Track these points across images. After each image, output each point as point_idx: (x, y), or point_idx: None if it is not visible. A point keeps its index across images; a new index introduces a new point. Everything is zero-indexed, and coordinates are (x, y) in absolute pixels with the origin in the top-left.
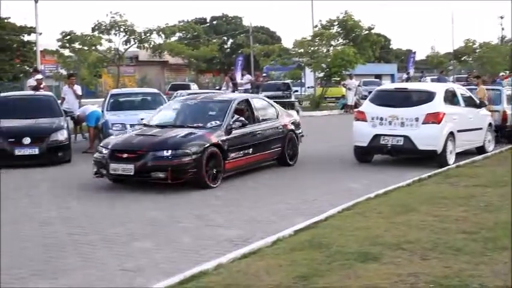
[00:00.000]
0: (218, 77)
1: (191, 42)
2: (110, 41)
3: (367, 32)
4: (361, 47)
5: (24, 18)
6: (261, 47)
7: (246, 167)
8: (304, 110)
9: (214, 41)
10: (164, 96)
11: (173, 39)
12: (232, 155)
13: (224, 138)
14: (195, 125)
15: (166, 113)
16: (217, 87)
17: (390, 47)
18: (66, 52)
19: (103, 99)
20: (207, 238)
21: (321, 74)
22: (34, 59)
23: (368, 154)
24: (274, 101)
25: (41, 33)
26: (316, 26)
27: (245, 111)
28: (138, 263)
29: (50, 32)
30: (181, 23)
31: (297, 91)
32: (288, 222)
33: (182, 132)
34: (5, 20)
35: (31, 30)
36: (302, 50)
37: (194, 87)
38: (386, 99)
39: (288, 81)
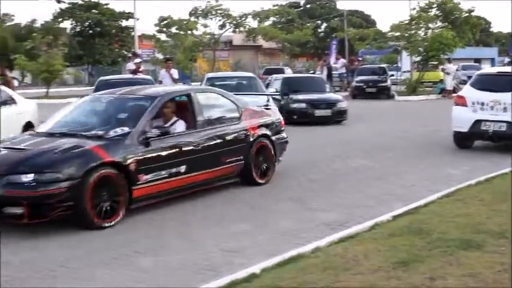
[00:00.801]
0: (312, 62)
1: (285, 26)
2: (205, 25)
3: (466, 14)
4: (460, 30)
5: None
6: (356, 31)
7: (176, 192)
8: (400, 95)
9: (308, 25)
10: (259, 80)
11: (267, 23)
12: (148, 177)
13: (131, 153)
14: (93, 133)
15: (69, 113)
16: (311, 72)
17: (490, 30)
18: (163, 37)
19: (198, 83)
20: (305, 221)
21: (418, 58)
22: (132, 43)
23: (468, 140)
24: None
25: (138, 19)
26: (413, 9)
27: (185, 112)
28: (237, 244)
29: (148, 17)
30: (276, 7)
31: (392, 75)
32: (386, 207)
33: (64, 144)
34: (104, 6)
35: (129, 15)
36: (399, 34)
37: (288, 71)
38: (488, 83)
39: (384, 65)
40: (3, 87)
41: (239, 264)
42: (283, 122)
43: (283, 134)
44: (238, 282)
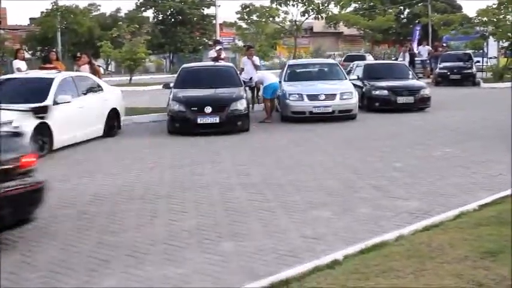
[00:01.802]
0: (393, 48)
1: (367, 12)
2: (286, 12)
3: None
4: None
5: None
6: (440, 17)
7: None
8: (486, 82)
9: (391, 10)
10: (341, 67)
11: (349, 9)
12: None
13: None
14: None
15: None
16: (393, 58)
17: None
18: (244, 24)
19: (279, 70)
20: (386, 209)
21: (506, 44)
22: (213, 31)
23: None
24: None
25: (220, 6)
26: None
27: None
28: (318, 231)
29: (229, 5)
30: None
31: (478, 62)
32: (471, 196)
33: None
34: None
35: (211, 3)
36: (486, 19)
37: (369, 58)
38: None
39: (469, 51)
40: (90, 75)
41: (321, 251)
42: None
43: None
44: (321, 268)
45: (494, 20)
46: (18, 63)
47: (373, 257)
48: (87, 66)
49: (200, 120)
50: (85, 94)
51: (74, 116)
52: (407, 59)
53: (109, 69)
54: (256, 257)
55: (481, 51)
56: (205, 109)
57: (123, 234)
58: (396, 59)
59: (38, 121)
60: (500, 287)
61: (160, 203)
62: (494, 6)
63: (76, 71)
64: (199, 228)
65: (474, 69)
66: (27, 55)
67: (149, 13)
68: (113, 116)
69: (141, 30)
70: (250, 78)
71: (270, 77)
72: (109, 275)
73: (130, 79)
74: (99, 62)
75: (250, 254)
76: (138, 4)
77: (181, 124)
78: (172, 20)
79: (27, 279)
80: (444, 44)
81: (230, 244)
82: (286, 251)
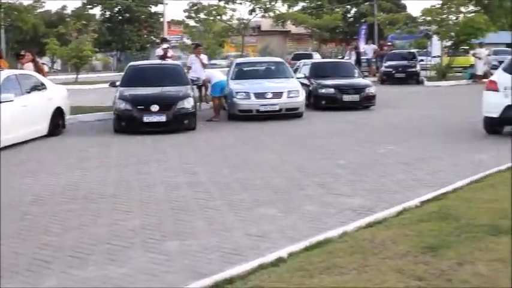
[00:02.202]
0: (340, 46)
1: (314, 11)
2: (234, 10)
3: None
4: (494, 15)
5: None
6: (386, 16)
7: None
8: (429, 80)
9: (338, 10)
10: (288, 66)
11: (296, 8)
12: None
13: None
14: None
15: None
16: (340, 57)
17: None
18: (192, 22)
19: (226, 68)
20: (330, 206)
21: (449, 43)
22: (160, 29)
23: (499, 125)
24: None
25: (167, 4)
26: None
27: None
28: (263, 229)
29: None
30: None
31: (422, 60)
32: (413, 193)
33: None
34: None
35: (158, 1)
36: (430, 18)
37: (317, 56)
38: None
39: (414, 50)
40: (34, 73)
41: (265, 248)
42: None
43: None
44: (265, 266)
45: (438, 19)
46: None
47: (317, 254)
48: (31, 64)
49: (146, 118)
50: (29, 93)
51: (17, 115)
52: (354, 57)
53: (55, 67)
54: (200, 255)
55: (425, 50)
56: (151, 107)
57: (66, 234)
58: (343, 58)
59: None
60: (439, 281)
61: (104, 202)
62: (438, 6)
63: (20, 69)
64: (144, 227)
65: (418, 68)
66: None
67: (96, 10)
68: (58, 114)
69: (88, 28)
70: (198, 78)
71: (218, 75)
72: (50, 275)
73: (77, 77)
74: (45, 60)
75: (194, 253)
76: (85, 1)
77: (128, 123)
78: (120, 17)
79: None
80: (389, 43)
81: (175, 243)
82: (231, 249)
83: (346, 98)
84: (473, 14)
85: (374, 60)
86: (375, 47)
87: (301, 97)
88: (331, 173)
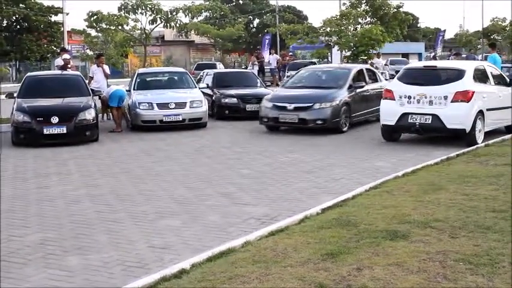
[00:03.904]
0: (244, 57)
1: (217, 21)
2: (136, 20)
3: (395, 10)
4: (389, 26)
5: None
6: (287, 26)
7: None
8: None
9: (240, 20)
10: (190, 76)
11: (199, 18)
12: None
13: None
14: None
15: None
16: (243, 67)
17: (418, 25)
18: (93, 32)
19: (129, 79)
20: (234, 216)
21: (348, 53)
22: (61, 39)
23: (395, 133)
24: None
25: (67, 13)
26: (344, 4)
27: None
28: (166, 240)
29: (77, 12)
30: (208, 2)
31: None
32: (315, 200)
33: None
34: (32, 0)
35: (58, 10)
36: (330, 29)
37: (220, 66)
38: (415, 77)
39: (314, 60)
40: None
41: (169, 260)
42: None
43: None
44: (168, 278)
45: (337, 30)
46: None
47: (220, 264)
48: None
49: (46, 130)
50: None
51: None
52: (257, 67)
53: None
54: (102, 270)
55: (326, 60)
56: (51, 119)
57: None
58: (246, 68)
59: None
60: (340, 287)
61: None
62: (337, 17)
63: None
64: (43, 243)
65: None
66: None
67: None
68: None
69: None
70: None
71: (115, 87)
72: None
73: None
74: None
75: (95, 268)
76: None
77: (26, 135)
78: (18, 26)
79: None
80: (291, 53)
81: (75, 258)
82: (134, 262)
83: (249, 107)
84: (370, 26)
85: (277, 70)
86: (277, 57)
87: (204, 107)
88: (235, 183)
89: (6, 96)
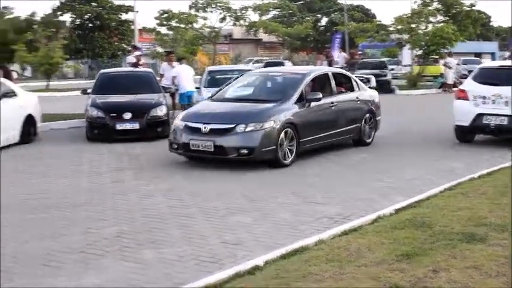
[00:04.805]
0: (312, 55)
1: (285, 20)
2: (205, 18)
3: (468, 8)
4: (461, 24)
5: None
6: (356, 25)
7: None
8: (400, 89)
9: (308, 18)
10: None
11: (268, 16)
12: None
13: None
14: None
15: None
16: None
17: (491, 24)
18: (163, 30)
19: (199, 77)
20: (306, 214)
21: (419, 52)
22: (131, 37)
23: (470, 134)
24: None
25: (138, 11)
26: (415, 2)
27: None
28: (238, 236)
29: (148, 10)
30: (276, 1)
31: (393, 69)
32: (388, 200)
33: None
34: None
35: (129, 8)
36: (401, 27)
37: (288, 64)
38: (490, 77)
39: (384, 59)
40: (4, 80)
41: (242, 256)
42: None
43: None
44: (242, 274)
45: (408, 28)
46: None
47: (294, 261)
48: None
49: (119, 126)
50: None
51: None
52: (326, 65)
53: (25, 74)
54: (176, 263)
55: (396, 59)
56: (124, 115)
57: (38, 243)
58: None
59: None
60: None
61: (77, 211)
62: (408, 15)
63: None
64: (119, 236)
65: (389, 76)
66: None
67: (66, 17)
68: (29, 122)
69: (58, 35)
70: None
71: (185, 84)
72: (22, 284)
73: (48, 84)
74: (14, 67)
75: (170, 261)
76: (55, 8)
77: (100, 130)
78: (90, 24)
79: None
80: (360, 52)
81: (150, 251)
82: (207, 257)
83: None
84: (442, 24)
85: (347, 69)
86: (345, 55)
87: None
88: (305, 181)
89: (81, 92)
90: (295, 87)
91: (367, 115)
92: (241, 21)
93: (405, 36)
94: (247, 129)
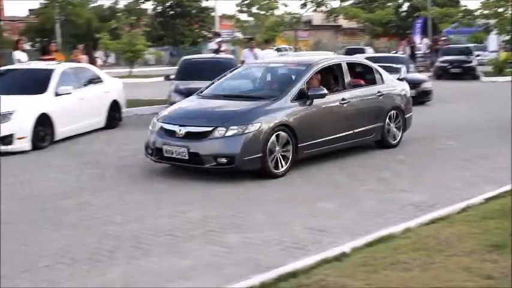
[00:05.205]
0: (393, 41)
1: (366, 5)
2: (285, 5)
3: None
4: None
5: None
6: (439, 10)
7: None
8: (486, 76)
9: (390, 4)
10: None
11: (348, 2)
12: None
13: None
14: None
15: None
16: (393, 52)
17: None
18: (243, 17)
19: None
20: (391, 202)
21: (507, 38)
22: (212, 24)
23: None
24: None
25: None
26: None
27: None
28: (323, 223)
29: None
30: None
31: (478, 56)
32: (476, 189)
33: None
34: None
35: None
36: (487, 12)
37: (370, 51)
38: None
39: (470, 45)
40: (91, 66)
41: (327, 243)
42: None
43: None
44: (329, 260)
45: (495, 13)
46: (18, 55)
47: (381, 249)
48: (85, 57)
49: None
50: (85, 85)
51: (75, 107)
52: (408, 52)
53: (108, 61)
54: (261, 248)
55: (482, 45)
56: None
57: (127, 225)
58: (396, 53)
59: (40, 112)
60: (508, 280)
61: (166, 193)
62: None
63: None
64: (203, 220)
65: (475, 63)
66: (26, 46)
67: (148, 5)
68: (114, 107)
69: (140, 22)
70: None
71: None
72: (114, 265)
73: (131, 71)
74: (98, 54)
75: (255, 246)
76: None
77: None
78: (172, 12)
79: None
80: (444, 38)
81: (234, 236)
82: (292, 243)
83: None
84: None
85: (428, 55)
86: (428, 41)
87: None
88: (390, 168)
89: (164, 79)
90: (293, 82)
91: (393, 112)
92: (322, 8)
93: (492, 21)
94: (227, 133)
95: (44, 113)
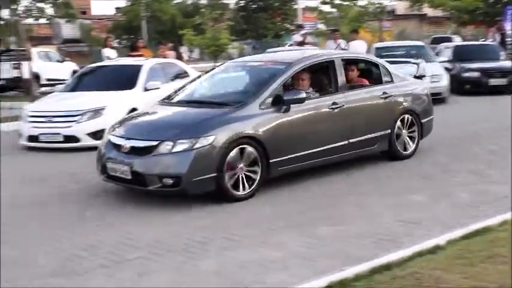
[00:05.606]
0: (481, 29)
1: None
2: None
3: None
4: None
5: None
6: None
7: None
8: None
9: None
10: (429, 49)
11: None
12: None
13: None
14: None
15: None
16: (482, 39)
17: None
18: (326, 8)
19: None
20: (483, 194)
21: None
22: (294, 16)
23: None
24: None
25: None
26: None
27: None
28: (415, 215)
29: None
30: None
31: None
32: None
33: None
34: None
35: None
36: None
37: (457, 39)
38: None
39: None
40: (178, 62)
41: (420, 236)
42: None
43: None
44: (422, 253)
45: None
46: (107, 52)
47: (477, 242)
48: (172, 53)
49: None
50: (173, 80)
51: None
52: (498, 39)
53: (192, 56)
54: (353, 241)
55: None
56: None
57: (217, 216)
58: (485, 40)
59: (130, 107)
60: None
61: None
62: None
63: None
64: (291, 212)
65: None
66: (114, 44)
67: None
68: None
69: (223, 17)
70: None
71: None
72: (207, 257)
73: (215, 65)
74: (183, 49)
75: (347, 238)
76: None
77: None
78: (254, 6)
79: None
80: None
81: (326, 228)
82: (384, 235)
83: (493, 81)
84: None
85: None
86: None
87: (444, 82)
88: (482, 159)
89: None
90: (265, 85)
91: (405, 116)
92: None
93: None
94: (175, 149)
95: (134, 108)
